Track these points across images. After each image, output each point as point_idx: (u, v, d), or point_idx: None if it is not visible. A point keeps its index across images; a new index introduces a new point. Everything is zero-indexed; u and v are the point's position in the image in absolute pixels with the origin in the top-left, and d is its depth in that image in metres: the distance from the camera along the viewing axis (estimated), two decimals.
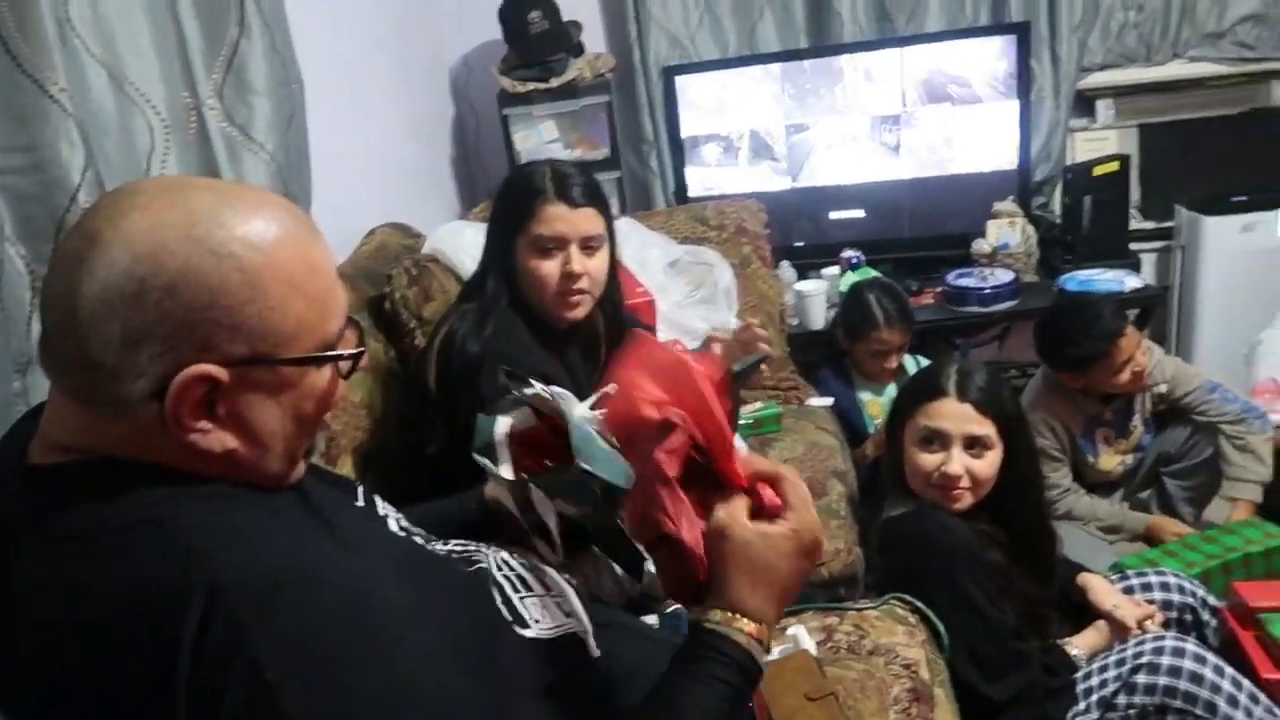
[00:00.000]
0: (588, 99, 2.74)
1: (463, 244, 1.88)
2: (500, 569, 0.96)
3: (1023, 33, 2.78)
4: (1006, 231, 2.83)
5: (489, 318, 1.50)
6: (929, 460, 1.59)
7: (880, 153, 2.90)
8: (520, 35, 2.70)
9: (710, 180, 2.98)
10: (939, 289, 2.77)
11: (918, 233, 2.96)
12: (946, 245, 2.90)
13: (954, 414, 1.58)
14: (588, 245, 1.52)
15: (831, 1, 2.91)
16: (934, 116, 2.86)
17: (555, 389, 0.98)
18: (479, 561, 0.96)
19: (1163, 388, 2.27)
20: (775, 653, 1.29)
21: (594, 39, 2.96)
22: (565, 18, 2.74)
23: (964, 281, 2.73)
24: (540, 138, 2.69)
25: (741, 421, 1.96)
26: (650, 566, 0.92)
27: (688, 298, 2.10)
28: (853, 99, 2.87)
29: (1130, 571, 1.76)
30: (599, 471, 0.86)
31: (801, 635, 1.33)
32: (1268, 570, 2.01)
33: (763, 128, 2.92)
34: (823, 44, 2.97)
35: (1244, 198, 2.82)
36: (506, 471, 0.98)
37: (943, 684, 1.38)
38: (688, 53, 2.98)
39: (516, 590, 0.94)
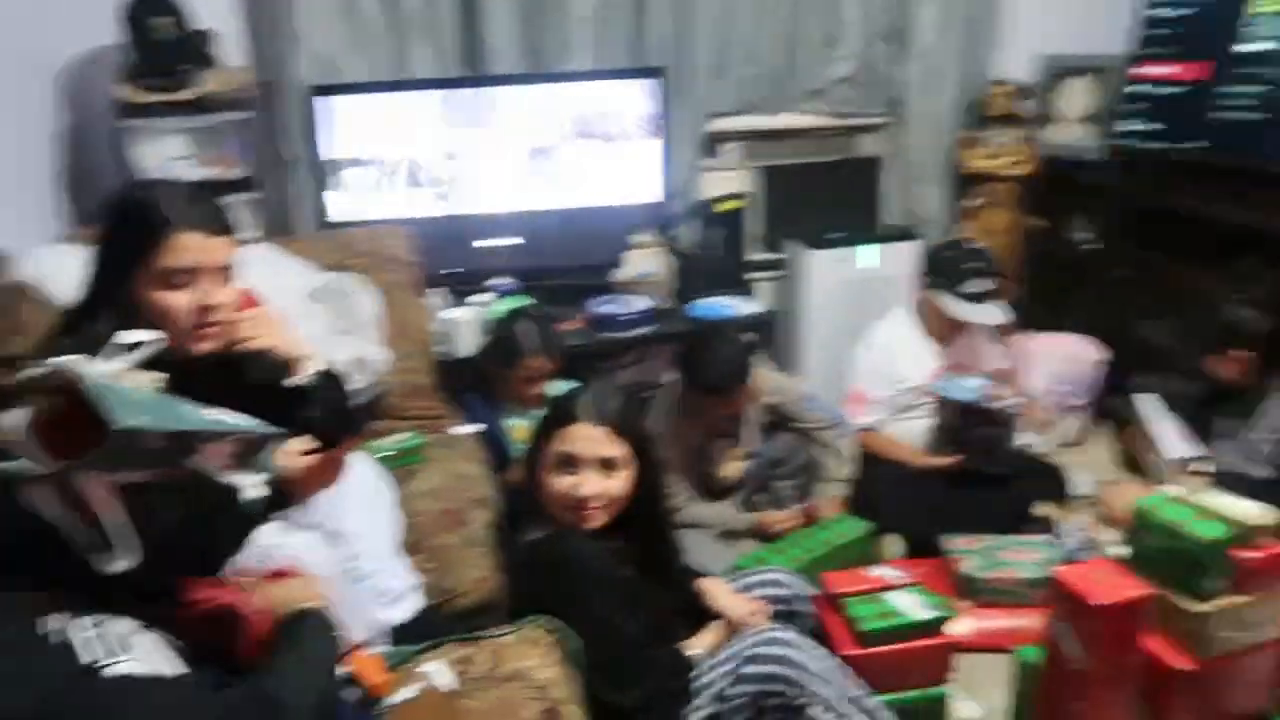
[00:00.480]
0: (224, 115, 2.57)
1: (64, 271, 1.69)
2: None
3: (660, 77, 3.01)
4: (647, 261, 3.06)
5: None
6: (564, 483, 1.69)
7: (532, 183, 3.00)
8: (144, 40, 2.48)
9: (358, 206, 2.90)
10: (584, 315, 2.92)
11: (566, 261, 3.08)
12: (592, 274, 3.07)
13: (587, 438, 1.68)
14: (220, 275, 1.43)
15: (483, 33, 2.97)
16: (583, 151, 3.01)
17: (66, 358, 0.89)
18: None
19: (772, 399, 2.58)
20: (408, 692, 1.31)
21: (235, 53, 2.78)
22: (201, 25, 2.56)
23: (607, 308, 2.91)
24: (166, 153, 2.48)
25: (384, 454, 1.95)
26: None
27: (329, 328, 2.05)
28: (507, 130, 2.94)
29: (744, 572, 1.97)
30: (138, 419, 0.79)
31: (436, 672, 1.35)
32: (851, 559, 2.34)
33: (417, 154, 2.91)
34: (477, 75, 3.01)
35: (838, 235, 3.27)
36: (42, 463, 0.87)
37: (576, 700, 1.46)
38: (336, 73, 2.89)
39: None
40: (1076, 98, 3.31)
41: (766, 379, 2.60)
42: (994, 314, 2.61)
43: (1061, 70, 3.32)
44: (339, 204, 2.89)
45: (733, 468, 2.55)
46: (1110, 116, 3.22)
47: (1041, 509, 2.59)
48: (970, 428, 2.51)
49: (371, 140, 2.88)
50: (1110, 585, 1.48)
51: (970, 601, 2.25)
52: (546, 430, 1.74)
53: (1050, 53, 3.33)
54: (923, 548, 2.49)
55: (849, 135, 3.51)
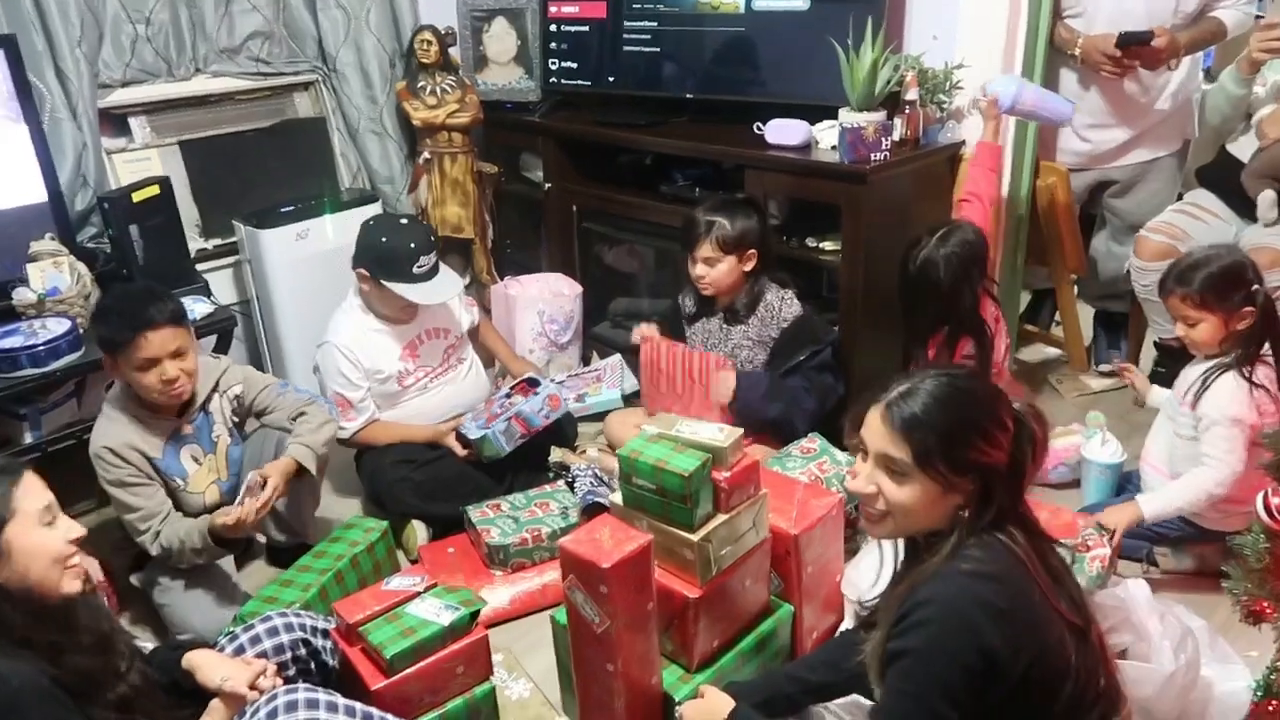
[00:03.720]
0: None
1: None
2: None
3: (10, 48, 2.41)
4: (53, 274, 2.47)
5: None
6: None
7: None
8: None
9: None
10: None
11: None
12: None
13: None
14: None
15: None
16: None
17: None
18: None
19: (237, 389, 2.25)
20: None
21: None
22: None
23: (10, 341, 2.31)
24: None
25: None
26: None
27: None
28: None
29: (238, 629, 1.67)
30: None
31: None
32: (373, 566, 2.16)
33: None
34: None
35: (292, 208, 2.95)
36: None
37: None
38: None
39: None
40: (500, 41, 3.32)
41: (234, 372, 2.26)
42: (446, 288, 2.51)
43: (481, 14, 3.30)
44: None
45: (205, 480, 2.18)
46: (539, 57, 3.29)
47: (555, 454, 2.61)
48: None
49: None
50: (613, 543, 1.47)
51: (504, 570, 2.20)
52: None
53: None
54: (445, 526, 2.39)
55: (280, 96, 3.18)
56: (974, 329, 2.28)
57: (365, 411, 2.49)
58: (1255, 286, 1.97)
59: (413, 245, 2.42)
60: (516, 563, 2.21)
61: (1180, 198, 2.80)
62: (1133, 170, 2.86)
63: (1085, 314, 3.17)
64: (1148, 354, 3.00)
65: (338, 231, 2.98)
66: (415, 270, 2.43)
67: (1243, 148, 2.57)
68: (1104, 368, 3.07)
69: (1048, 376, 3.11)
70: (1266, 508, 1.49)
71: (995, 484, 1.25)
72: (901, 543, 1.41)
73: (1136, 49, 2.59)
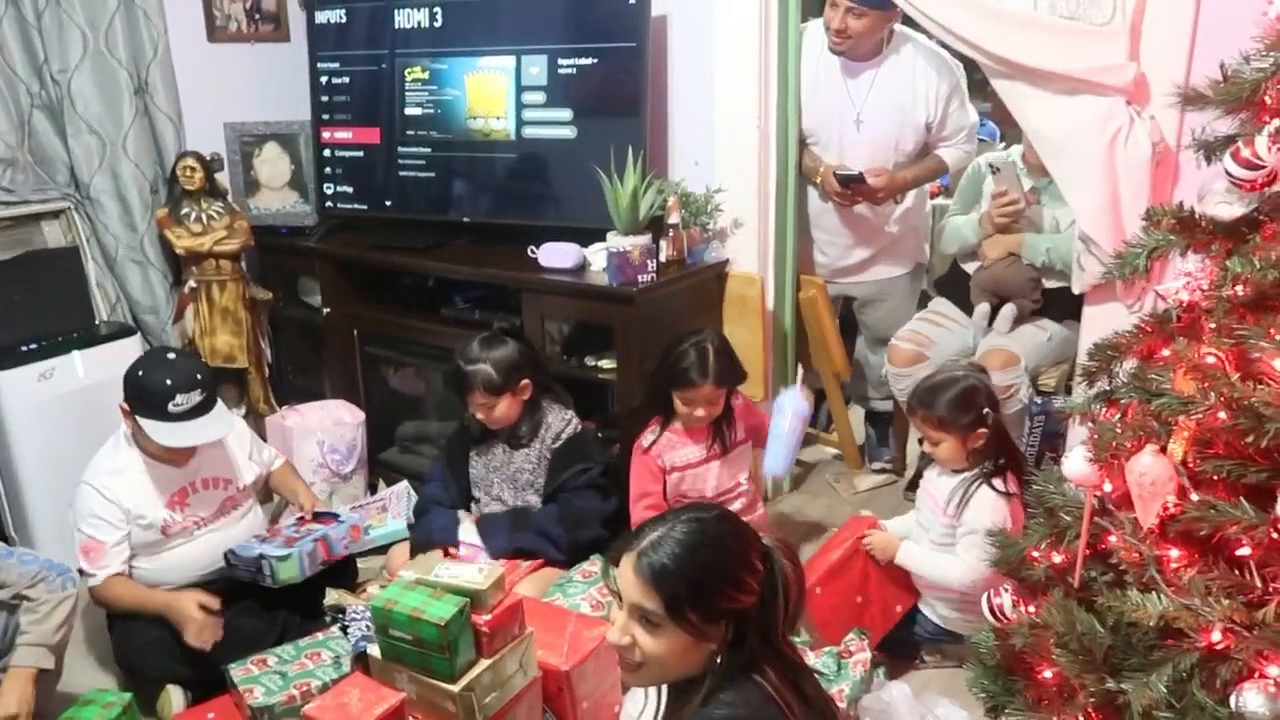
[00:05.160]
0: None
1: None
2: None
3: None
4: None
5: None
6: None
7: None
8: None
9: None
10: None
11: None
12: None
13: None
14: None
15: None
16: None
17: None
18: None
19: None
20: None
21: None
22: None
23: None
24: None
25: None
26: None
27: None
28: None
29: None
30: None
31: None
32: None
33: None
34: None
35: (35, 345, 2.73)
36: None
37: None
38: None
39: None
40: (273, 165, 3.25)
41: None
42: (208, 430, 2.29)
43: (250, 139, 3.23)
44: None
45: None
46: (314, 181, 3.25)
47: (331, 596, 2.46)
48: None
49: None
50: (362, 706, 1.39)
51: None
52: None
53: (233, 120, 3.21)
54: (206, 689, 2.19)
55: (26, 225, 2.96)
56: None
57: (119, 558, 2.27)
58: (985, 410, 2.15)
59: (168, 382, 2.24)
60: None
61: (925, 304, 3.06)
62: (873, 287, 3.10)
63: (856, 415, 3.37)
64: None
65: (90, 368, 2.77)
66: (171, 408, 2.24)
67: (970, 264, 2.85)
68: (876, 465, 3.25)
69: (825, 476, 3.26)
70: (990, 609, 1.60)
71: (747, 628, 1.26)
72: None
73: (855, 186, 2.82)
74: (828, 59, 2.83)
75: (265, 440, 2.99)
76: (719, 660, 1.26)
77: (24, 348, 2.72)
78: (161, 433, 2.24)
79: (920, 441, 2.28)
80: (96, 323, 3.00)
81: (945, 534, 2.23)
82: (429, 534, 2.47)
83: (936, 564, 2.20)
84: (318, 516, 2.50)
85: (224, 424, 2.36)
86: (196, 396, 2.26)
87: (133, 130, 3.00)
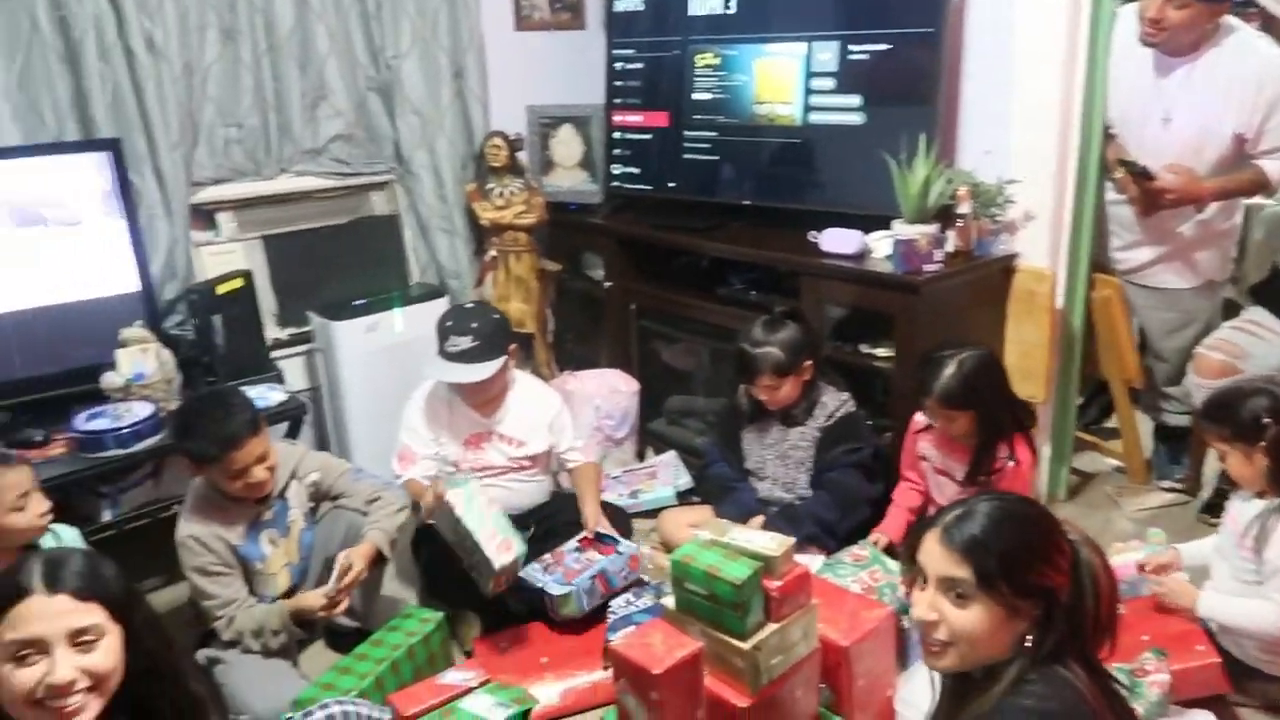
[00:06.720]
0: None
1: None
2: None
3: (115, 150, 2.61)
4: (139, 360, 2.62)
5: None
6: (29, 676, 1.30)
7: None
8: None
9: None
10: (69, 435, 2.43)
11: (36, 371, 2.56)
12: (75, 381, 2.57)
13: (45, 614, 1.31)
14: None
15: None
16: (30, 240, 2.51)
17: None
18: None
19: (315, 475, 2.36)
20: None
21: None
22: None
23: (97, 424, 2.44)
24: None
25: None
26: None
27: None
28: None
29: (296, 715, 1.72)
30: None
31: None
32: (428, 657, 2.19)
33: None
34: None
35: (363, 301, 3.09)
36: None
37: None
38: None
39: None
40: (566, 146, 3.48)
41: (311, 459, 2.37)
42: (465, 373, 2.42)
43: (548, 120, 3.47)
44: None
45: (279, 562, 2.26)
46: (602, 162, 3.44)
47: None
48: None
49: None
50: (665, 648, 1.49)
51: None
52: None
53: (534, 104, 3.45)
54: (499, 620, 2.41)
55: (357, 195, 3.35)
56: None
57: (422, 470, 2.51)
58: (1266, 421, 1.92)
59: (449, 323, 2.47)
60: None
61: (1236, 313, 2.79)
62: (1151, 295, 2.83)
63: (1145, 426, 3.13)
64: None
65: (405, 325, 3.10)
66: (447, 348, 2.44)
67: None
68: (1165, 484, 3.01)
69: (1106, 488, 3.07)
70: None
71: (1056, 610, 1.24)
72: None
73: (1142, 181, 2.59)
74: (1139, 50, 2.63)
75: None
76: (1029, 643, 1.24)
77: (355, 303, 3.08)
78: (433, 367, 2.48)
79: (1221, 459, 2.09)
80: (411, 284, 3.36)
81: (1244, 568, 2.02)
82: (747, 507, 2.50)
83: (1248, 613, 1.96)
84: (598, 539, 2.50)
85: (479, 372, 2.43)
86: (466, 342, 2.42)
87: (449, 111, 3.30)
